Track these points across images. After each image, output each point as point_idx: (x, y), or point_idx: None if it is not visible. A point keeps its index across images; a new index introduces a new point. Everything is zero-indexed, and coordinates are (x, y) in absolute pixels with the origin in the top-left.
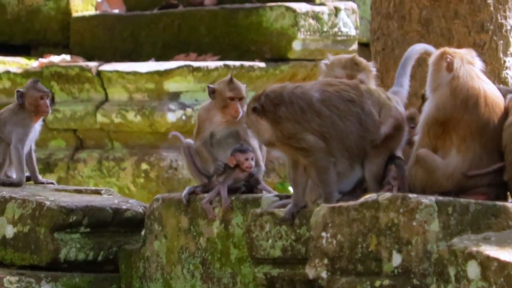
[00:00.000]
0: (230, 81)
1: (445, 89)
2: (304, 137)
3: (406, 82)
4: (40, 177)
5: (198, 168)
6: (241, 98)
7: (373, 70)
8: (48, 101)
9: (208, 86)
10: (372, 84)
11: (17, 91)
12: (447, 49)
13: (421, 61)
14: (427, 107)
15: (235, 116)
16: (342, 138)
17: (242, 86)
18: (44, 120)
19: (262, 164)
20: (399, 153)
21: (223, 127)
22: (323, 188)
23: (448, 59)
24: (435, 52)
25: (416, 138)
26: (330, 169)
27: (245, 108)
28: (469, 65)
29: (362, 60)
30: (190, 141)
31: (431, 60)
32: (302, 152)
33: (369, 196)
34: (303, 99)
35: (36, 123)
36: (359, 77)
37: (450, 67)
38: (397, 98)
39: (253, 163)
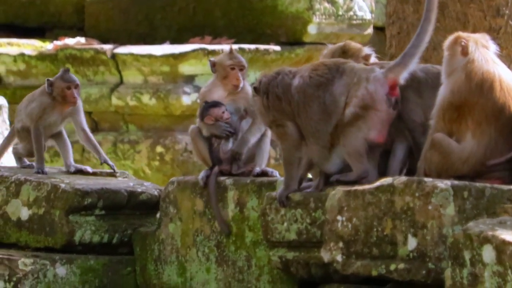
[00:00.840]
0: (230, 51)
1: (460, 73)
2: (284, 124)
3: None
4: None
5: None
6: (241, 68)
7: (365, 53)
8: (76, 91)
9: (209, 60)
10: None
11: (47, 80)
12: (461, 33)
13: (437, 45)
14: (442, 91)
15: (236, 85)
16: (307, 124)
17: (243, 58)
18: None
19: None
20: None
21: (226, 103)
22: (284, 176)
23: (463, 43)
24: (450, 37)
25: (432, 122)
26: (293, 163)
27: (246, 80)
28: (484, 49)
29: (351, 47)
30: (195, 126)
31: (445, 44)
32: (277, 138)
33: (384, 180)
34: (282, 86)
35: (62, 111)
36: None
37: (465, 51)
38: (378, 75)
39: (228, 114)
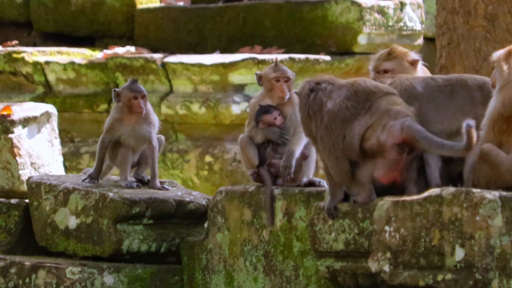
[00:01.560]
0: (275, 64)
1: None
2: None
3: None
4: (157, 182)
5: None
6: (287, 80)
7: (412, 57)
8: (142, 102)
9: (256, 73)
10: (410, 71)
11: (114, 90)
12: None
13: (487, 55)
14: (493, 103)
15: (281, 97)
16: (323, 152)
17: (288, 69)
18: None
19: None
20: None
21: None
22: (328, 187)
23: None
24: (503, 49)
25: (481, 133)
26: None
27: (292, 90)
28: None
29: (397, 50)
30: (244, 135)
31: (499, 56)
32: (316, 149)
33: (433, 191)
34: (316, 105)
35: (133, 122)
36: (385, 66)
37: None
38: (396, 126)
39: (281, 118)
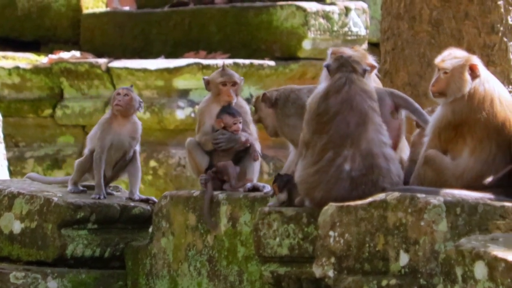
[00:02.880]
0: (222, 68)
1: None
2: None
3: None
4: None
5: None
6: (234, 84)
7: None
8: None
9: (203, 78)
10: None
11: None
12: (471, 57)
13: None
14: (441, 111)
15: (228, 101)
16: None
17: (235, 73)
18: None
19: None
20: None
21: None
22: None
23: (475, 68)
24: (456, 59)
25: (425, 139)
26: None
27: (240, 95)
28: (484, 68)
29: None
30: (192, 139)
31: (455, 66)
32: None
33: (377, 196)
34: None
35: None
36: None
37: (476, 74)
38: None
39: (240, 126)
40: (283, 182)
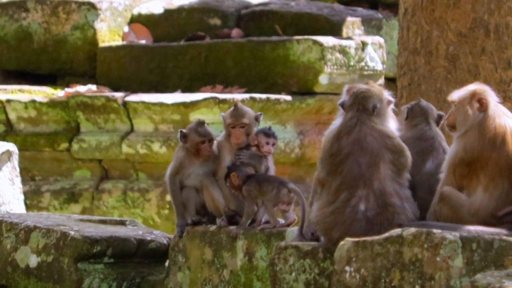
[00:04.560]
0: (234, 108)
1: (474, 129)
2: None
3: None
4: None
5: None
6: (242, 126)
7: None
8: (209, 145)
9: (221, 115)
10: None
11: (180, 131)
12: (477, 87)
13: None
14: (454, 147)
15: (236, 143)
16: None
17: (247, 112)
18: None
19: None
20: None
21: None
22: None
23: (483, 100)
24: (464, 90)
25: (441, 176)
26: None
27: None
28: (496, 103)
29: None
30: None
31: (461, 99)
32: None
33: (394, 231)
34: None
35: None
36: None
37: (484, 108)
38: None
39: (272, 149)
40: (243, 174)
